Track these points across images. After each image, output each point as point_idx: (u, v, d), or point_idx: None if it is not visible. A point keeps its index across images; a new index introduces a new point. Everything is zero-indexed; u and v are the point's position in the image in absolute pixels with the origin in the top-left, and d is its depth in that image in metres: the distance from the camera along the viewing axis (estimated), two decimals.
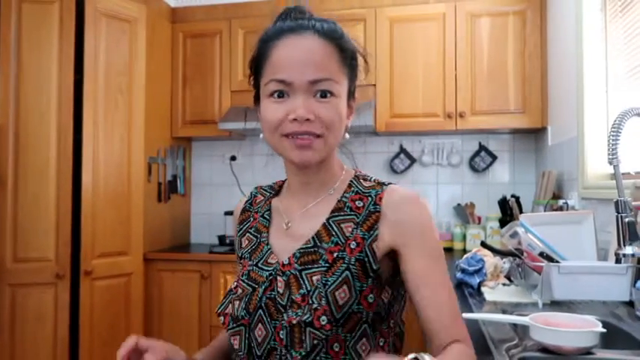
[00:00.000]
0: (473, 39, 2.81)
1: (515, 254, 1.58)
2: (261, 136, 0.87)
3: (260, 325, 0.81)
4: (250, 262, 0.89)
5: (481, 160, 3.05)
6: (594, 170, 2.08)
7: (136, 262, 2.80)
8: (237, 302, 0.84)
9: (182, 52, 3.18)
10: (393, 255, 0.82)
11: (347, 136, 0.89)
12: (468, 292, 1.67)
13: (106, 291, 2.65)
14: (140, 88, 2.81)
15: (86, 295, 2.55)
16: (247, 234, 0.94)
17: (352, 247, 0.81)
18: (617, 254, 1.17)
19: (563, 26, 2.43)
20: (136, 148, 2.80)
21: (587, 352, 1.01)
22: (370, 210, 0.84)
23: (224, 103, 3.10)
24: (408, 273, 0.80)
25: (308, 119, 0.79)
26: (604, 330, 1.00)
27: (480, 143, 3.07)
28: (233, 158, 3.36)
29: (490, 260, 1.76)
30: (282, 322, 0.78)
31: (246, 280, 0.86)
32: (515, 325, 1.20)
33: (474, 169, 3.08)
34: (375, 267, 0.80)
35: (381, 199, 0.84)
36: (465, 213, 3.01)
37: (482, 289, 1.67)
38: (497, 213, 2.86)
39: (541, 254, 1.46)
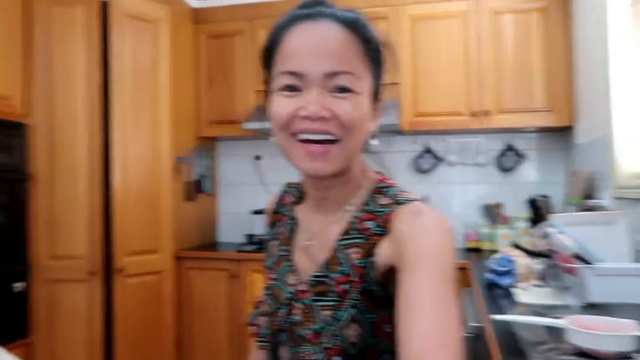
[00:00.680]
0: (496, 36, 2.78)
1: (548, 255, 1.56)
2: (271, 138, 0.74)
3: (284, 347, 0.76)
4: (273, 276, 0.82)
5: (508, 159, 3.01)
6: (627, 169, 2.03)
7: (166, 260, 2.84)
8: (262, 318, 0.80)
9: (205, 53, 3.22)
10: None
11: (375, 142, 0.76)
12: (499, 293, 1.66)
13: (138, 288, 2.70)
14: (165, 88, 2.85)
15: (119, 292, 2.61)
16: (275, 241, 0.86)
17: (356, 278, 0.70)
18: None
19: (589, 21, 2.39)
20: (164, 148, 2.85)
21: (626, 356, 0.99)
22: (372, 232, 0.71)
23: (248, 102, 3.12)
24: (399, 294, 0.61)
25: (322, 117, 0.67)
26: None
27: (506, 142, 3.03)
28: (258, 158, 3.39)
29: (521, 261, 1.74)
30: (300, 354, 0.72)
31: (269, 297, 0.81)
32: (549, 328, 1.18)
33: (500, 168, 3.04)
34: (383, 294, 0.69)
35: (387, 221, 0.70)
36: (492, 213, 2.97)
37: (513, 290, 1.66)
38: (525, 213, 2.82)
39: (575, 255, 1.44)
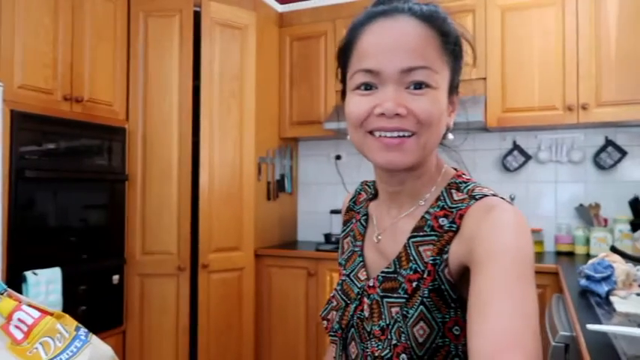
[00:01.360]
0: (598, 22, 2.56)
1: None
2: (348, 136, 0.75)
3: (353, 342, 0.77)
4: (345, 272, 0.84)
5: (608, 155, 2.77)
6: None
7: (248, 257, 2.94)
8: (333, 313, 0.81)
9: (289, 55, 3.29)
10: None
11: (450, 136, 0.75)
12: (594, 301, 1.52)
13: (221, 284, 2.82)
14: (251, 92, 2.95)
15: (204, 287, 2.74)
16: (348, 237, 0.88)
17: (426, 275, 0.68)
18: None
19: None
20: (247, 149, 2.95)
21: None
22: (446, 229, 0.69)
23: (329, 103, 3.15)
24: (470, 294, 0.59)
25: (398, 114, 0.66)
26: None
27: (606, 137, 2.79)
28: (338, 157, 3.40)
29: (621, 267, 1.59)
30: (367, 350, 0.73)
31: (340, 292, 0.82)
32: None
33: (599, 165, 2.80)
34: (454, 295, 0.67)
35: (461, 216, 0.67)
36: (588, 214, 2.75)
37: (612, 298, 1.51)
38: (627, 215, 2.58)
39: None
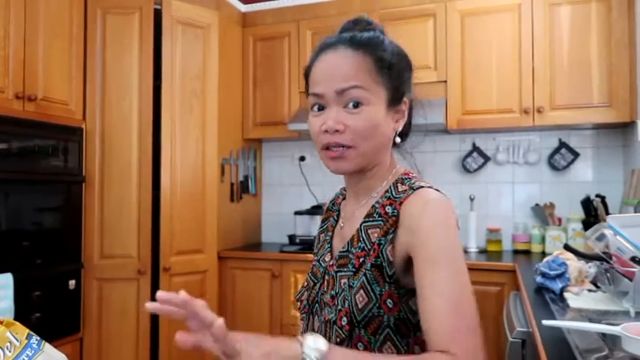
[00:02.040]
0: (552, 29, 2.66)
1: (603, 258, 1.47)
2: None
3: (316, 317, 0.90)
4: (315, 258, 0.98)
5: (561, 157, 2.88)
6: None
7: (211, 259, 2.90)
8: (305, 293, 0.95)
9: (252, 56, 3.27)
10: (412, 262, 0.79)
11: (398, 139, 0.90)
12: (549, 297, 1.58)
13: (183, 287, 2.72)
14: (213, 92, 2.92)
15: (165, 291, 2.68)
16: (323, 232, 1.02)
17: (371, 253, 0.82)
18: None
19: None
20: (210, 150, 2.91)
21: None
22: (389, 215, 0.83)
23: (293, 104, 3.14)
24: (421, 285, 0.74)
25: (337, 130, 0.81)
26: None
27: (560, 140, 2.90)
28: (302, 159, 3.40)
29: (574, 264, 1.65)
30: (323, 317, 0.87)
31: (310, 274, 0.96)
32: (604, 335, 1.11)
33: (553, 167, 2.91)
34: (390, 272, 0.80)
35: (401, 204, 0.82)
36: (543, 214, 2.85)
37: (566, 294, 1.57)
38: (579, 214, 2.69)
39: (633, 259, 1.35)
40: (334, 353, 0.66)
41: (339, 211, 1.00)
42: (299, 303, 0.96)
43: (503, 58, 2.73)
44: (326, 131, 0.82)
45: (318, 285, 0.92)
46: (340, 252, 0.89)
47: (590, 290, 1.60)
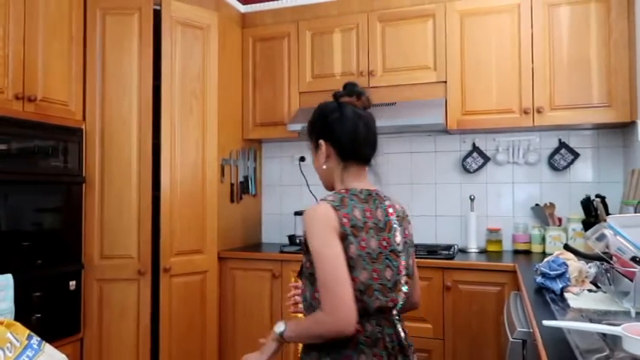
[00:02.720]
0: (551, 29, 2.66)
1: (603, 258, 1.47)
2: None
3: None
4: None
5: (561, 157, 2.88)
6: None
7: (211, 260, 2.90)
8: None
9: (252, 56, 3.27)
10: None
11: (324, 167, 1.36)
12: (549, 297, 1.58)
13: (184, 287, 2.77)
14: (213, 93, 2.92)
15: (165, 291, 2.68)
16: None
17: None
18: None
19: None
20: (210, 151, 2.91)
21: None
22: None
23: (293, 104, 3.14)
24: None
25: None
26: None
27: (559, 140, 2.90)
28: (302, 159, 3.40)
29: (574, 264, 1.65)
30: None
31: None
32: (604, 335, 1.11)
33: (553, 167, 2.91)
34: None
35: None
36: (543, 214, 2.85)
37: (566, 295, 1.57)
38: (579, 214, 2.69)
39: (633, 259, 1.35)
40: (289, 324, 1.27)
41: None
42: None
43: (502, 58, 2.73)
44: None
45: None
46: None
47: (590, 290, 1.60)
